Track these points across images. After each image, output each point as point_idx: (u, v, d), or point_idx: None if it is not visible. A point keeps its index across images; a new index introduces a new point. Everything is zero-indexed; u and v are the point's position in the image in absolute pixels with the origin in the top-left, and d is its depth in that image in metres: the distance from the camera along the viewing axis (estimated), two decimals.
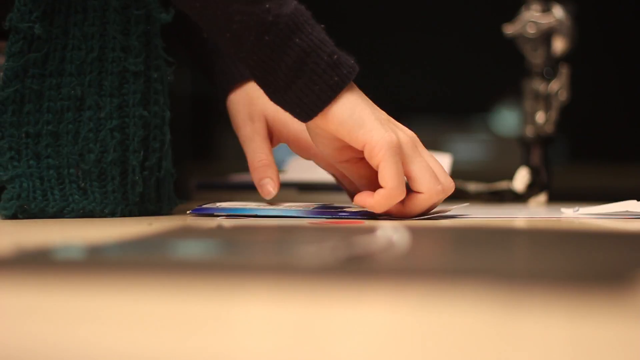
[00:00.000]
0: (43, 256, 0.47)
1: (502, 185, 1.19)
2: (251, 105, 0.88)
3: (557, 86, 1.19)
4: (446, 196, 0.76)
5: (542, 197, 1.19)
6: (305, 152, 0.88)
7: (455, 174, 1.09)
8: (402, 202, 0.75)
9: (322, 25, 0.75)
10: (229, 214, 0.80)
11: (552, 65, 1.20)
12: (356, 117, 0.73)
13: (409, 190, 0.75)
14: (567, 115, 1.22)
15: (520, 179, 1.19)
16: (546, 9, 1.19)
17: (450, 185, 0.76)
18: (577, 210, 0.85)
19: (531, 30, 1.19)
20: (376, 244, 0.49)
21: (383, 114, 0.76)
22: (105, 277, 0.40)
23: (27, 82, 0.78)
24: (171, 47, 0.82)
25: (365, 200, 0.76)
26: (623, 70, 2.67)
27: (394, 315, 0.33)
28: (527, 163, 1.20)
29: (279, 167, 0.88)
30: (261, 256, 0.51)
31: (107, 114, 0.79)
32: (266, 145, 0.86)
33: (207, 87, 0.96)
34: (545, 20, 1.19)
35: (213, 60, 0.92)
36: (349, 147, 0.76)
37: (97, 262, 0.46)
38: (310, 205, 0.81)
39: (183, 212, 0.84)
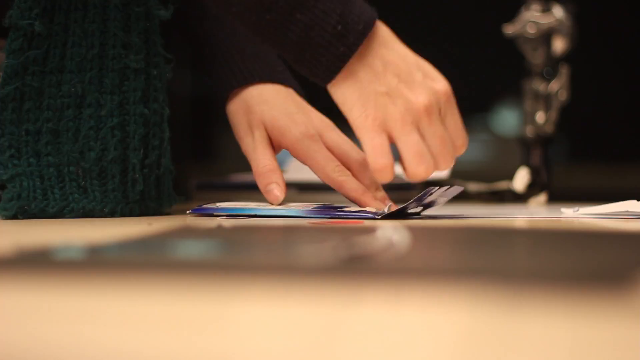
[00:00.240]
0: (43, 256, 0.47)
1: (502, 185, 1.19)
2: (249, 114, 0.86)
3: (557, 86, 1.19)
4: (438, 168, 0.76)
5: (542, 197, 1.19)
6: (303, 159, 0.88)
7: (455, 174, 1.09)
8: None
9: None
10: (228, 213, 0.80)
11: (552, 65, 1.20)
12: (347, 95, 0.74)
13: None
14: (567, 115, 1.22)
15: (520, 179, 1.19)
16: (546, 9, 1.19)
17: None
18: (577, 210, 0.85)
19: (531, 30, 1.19)
20: (376, 244, 0.49)
21: (392, 80, 0.75)
22: (105, 277, 0.40)
23: (27, 79, 0.78)
24: (170, 45, 0.82)
25: (370, 201, 0.78)
26: (623, 70, 2.67)
27: (394, 315, 0.33)
28: (527, 163, 1.20)
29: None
30: (261, 256, 0.51)
31: (107, 112, 0.79)
32: (269, 152, 0.86)
33: (207, 87, 0.96)
34: (545, 20, 1.19)
35: (211, 64, 0.92)
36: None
37: (97, 262, 0.46)
38: (310, 205, 0.81)
39: (183, 212, 0.84)
